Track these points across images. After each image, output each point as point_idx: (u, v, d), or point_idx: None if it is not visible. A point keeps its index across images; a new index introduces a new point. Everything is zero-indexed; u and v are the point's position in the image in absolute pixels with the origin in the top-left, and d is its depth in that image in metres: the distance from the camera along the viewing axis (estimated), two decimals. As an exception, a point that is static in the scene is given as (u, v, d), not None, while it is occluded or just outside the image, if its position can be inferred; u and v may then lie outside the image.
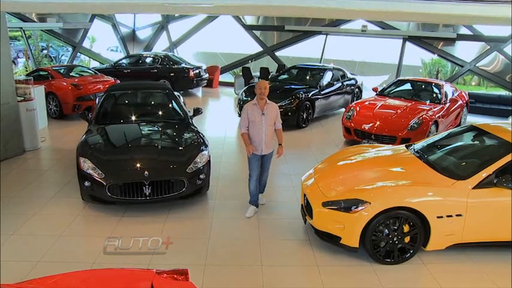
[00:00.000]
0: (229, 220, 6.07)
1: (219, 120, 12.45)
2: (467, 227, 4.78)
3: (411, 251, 4.88)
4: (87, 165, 6.00)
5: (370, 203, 4.71)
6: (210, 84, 17.21)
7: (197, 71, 15.62)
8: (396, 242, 4.83)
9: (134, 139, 6.78)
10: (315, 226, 5.19)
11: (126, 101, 7.98)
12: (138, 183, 5.86)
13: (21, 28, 16.32)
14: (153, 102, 8.09)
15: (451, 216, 4.72)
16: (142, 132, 7.02)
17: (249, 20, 18.79)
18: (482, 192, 4.75)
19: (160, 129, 7.07)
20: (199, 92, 16.66)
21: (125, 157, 6.18)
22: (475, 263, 5.00)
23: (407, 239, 4.84)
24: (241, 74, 16.13)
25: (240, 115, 11.64)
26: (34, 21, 16.50)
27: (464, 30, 14.52)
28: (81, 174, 6.04)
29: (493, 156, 4.99)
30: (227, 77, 18.73)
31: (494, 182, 4.75)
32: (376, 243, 4.84)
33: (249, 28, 18.30)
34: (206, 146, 6.68)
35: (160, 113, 7.72)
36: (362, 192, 4.88)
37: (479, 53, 14.76)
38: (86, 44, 20.60)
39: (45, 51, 21.85)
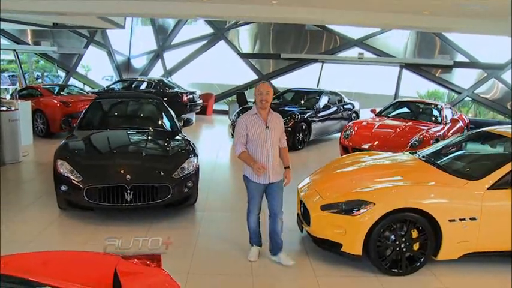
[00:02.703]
0: (217, 231, 5.55)
1: (211, 143, 12.08)
2: (483, 232, 4.28)
3: (421, 260, 4.35)
4: (64, 167, 5.51)
5: (374, 204, 4.23)
6: (204, 111, 16.93)
7: (191, 96, 15.34)
8: (404, 250, 4.30)
9: (118, 144, 6.34)
10: (312, 233, 4.67)
11: (113, 109, 7.58)
12: (119, 187, 5.35)
13: (15, 50, 16.14)
14: (141, 111, 7.68)
15: (464, 219, 4.24)
16: (128, 138, 6.56)
17: (245, 48, 18.78)
18: (499, 193, 4.30)
19: (147, 137, 6.63)
20: (192, 117, 16.31)
21: (106, 160, 5.73)
22: (494, 275, 4.46)
23: (416, 246, 4.32)
24: (235, 100, 15.86)
25: (233, 136, 11.18)
26: (28, 44, 16.40)
27: (461, 58, 14.48)
28: (58, 177, 5.53)
29: (507, 156, 4.56)
30: (221, 106, 18.50)
31: (511, 182, 4.31)
32: (382, 251, 4.32)
33: (245, 56, 18.25)
34: (195, 154, 6.22)
35: (148, 121, 7.31)
36: (365, 193, 4.41)
37: (476, 80, 14.66)
38: (81, 71, 20.48)
39: (39, 80, 21.67)
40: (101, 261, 2.48)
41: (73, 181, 5.39)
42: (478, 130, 5.75)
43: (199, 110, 16.24)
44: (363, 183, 4.69)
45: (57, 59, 17.92)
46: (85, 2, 7.95)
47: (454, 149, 5.60)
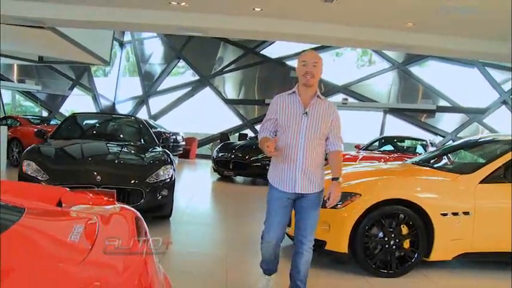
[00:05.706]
0: (191, 240, 5.14)
1: (192, 178, 11.78)
2: (477, 230, 3.98)
3: (413, 258, 3.98)
4: (30, 168, 5.12)
5: (360, 195, 3.94)
6: (186, 155, 16.68)
7: (173, 136, 15.16)
8: (394, 247, 3.95)
9: (92, 153, 5.97)
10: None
11: (91, 124, 7.32)
12: (88, 188, 4.95)
13: (-3, 86, 16.01)
14: (120, 127, 7.42)
15: (457, 214, 3.96)
16: (104, 147, 6.21)
17: (230, 94, 18.92)
18: (491, 187, 4.07)
19: (123, 149, 6.30)
20: (175, 159, 16.00)
21: (78, 165, 5.35)
22: (492, 279, 4.10)
23: (406, 244, 3.98)
24: (219, 141, 15.71)
25: (215, 170, 10.79)
26: (12, 81, 16.30)
27: (443, 102, 14.74)
28: (22, 179, 5.11)
29: (500, 153, 4.37)
30: (205, 151, 18.27)
31: (503, 176, 4.09)
32: (369, 249, 3.97)
33: (230, 102, 18.33)
34: (172, 165, 5.90)
35: (126, 134, 7.04)
36: (350, 185, 4.12)
37: (459, 124, 14.88)
38: (64, 113, 20.29)
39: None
40: (47, 192, 2.17)
41: (38, 181, 4.99)
42: (465, 139, 5.63)
43: (181, 151, 15.99)
44: (349, 179, 4.42)
45: (41, 99, 17.76)
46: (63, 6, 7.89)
47: (444, 156, 5.42)
